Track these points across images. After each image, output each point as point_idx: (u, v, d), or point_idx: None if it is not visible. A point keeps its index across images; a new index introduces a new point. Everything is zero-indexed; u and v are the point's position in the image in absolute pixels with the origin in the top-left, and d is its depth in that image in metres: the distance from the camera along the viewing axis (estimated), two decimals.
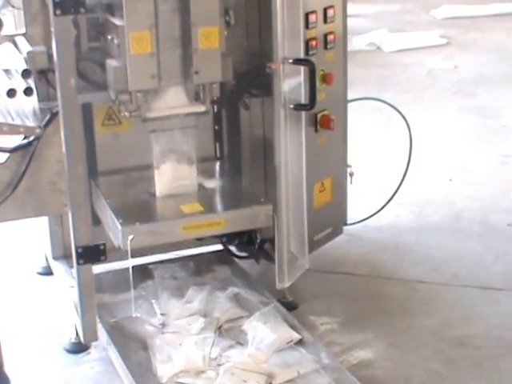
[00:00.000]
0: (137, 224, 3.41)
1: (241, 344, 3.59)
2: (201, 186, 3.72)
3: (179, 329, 3.62)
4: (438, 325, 3.89)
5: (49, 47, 3.33)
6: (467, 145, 6.06)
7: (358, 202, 4.61)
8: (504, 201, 5.15)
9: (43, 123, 3.43)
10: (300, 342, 3.58)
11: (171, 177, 3.66)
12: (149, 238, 3.43)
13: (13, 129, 3.35)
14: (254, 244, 4.01)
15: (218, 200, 3.78)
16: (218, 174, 3.95)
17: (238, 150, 4.05)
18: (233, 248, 4.17)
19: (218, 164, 4.03)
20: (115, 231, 3.44)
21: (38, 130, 3.37)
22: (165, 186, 3.65)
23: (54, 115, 3.46)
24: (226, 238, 4.08)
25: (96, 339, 3.50)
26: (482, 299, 4.10)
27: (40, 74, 3.49)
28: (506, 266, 4.40)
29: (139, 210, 3.57)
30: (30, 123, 3.37)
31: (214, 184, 3.81)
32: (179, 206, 3.56)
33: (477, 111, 6.75)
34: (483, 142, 6.09)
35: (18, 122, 3.34)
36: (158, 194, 3.66)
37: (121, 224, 3.39)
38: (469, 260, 4.46)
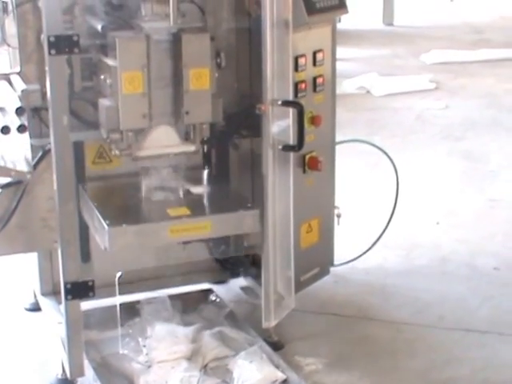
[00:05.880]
0: (124, 225, 3.36)
1: (226, 383, 3.60)
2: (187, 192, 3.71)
3: (165, 369, 3.63)
4: (423, 367, 3.90)
5: (43, 86, 3.39)
6: (455, 188, 6.11)
7: (345, 244, 4.64)
8: (491, 245, 5.18)
9: (34, 162, 3.48)
10: (285, 382, 3.59)
11: None
12: (135, 240, 3.39)
13: (4, 172, 3.42)
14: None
15: (205, 205, 3.76)
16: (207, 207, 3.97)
17: (226, 188, 4.07)
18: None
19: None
20: (102, 233, 3.39)
21: (28, 176, 3.44)
22: None
23: (46, 153, 3.51)
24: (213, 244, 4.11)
25: (82, 375, 3.49)
26: (466, 342, 4.12)
27: (33, 112, 3.54)
28: (492, 309, 4.42)
29: (126, 213, 3.54)
30: (22, 167, 3.43)
31: (201, 190, 3.81)
32: (166, 209, 3.54)
33: (465, 155, 6.81)
34: (471, 186, 6.14)
35: (9, 165, 3.41)
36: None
37: (108, 225, 3.34)
38: (454, 303, 4.48)
